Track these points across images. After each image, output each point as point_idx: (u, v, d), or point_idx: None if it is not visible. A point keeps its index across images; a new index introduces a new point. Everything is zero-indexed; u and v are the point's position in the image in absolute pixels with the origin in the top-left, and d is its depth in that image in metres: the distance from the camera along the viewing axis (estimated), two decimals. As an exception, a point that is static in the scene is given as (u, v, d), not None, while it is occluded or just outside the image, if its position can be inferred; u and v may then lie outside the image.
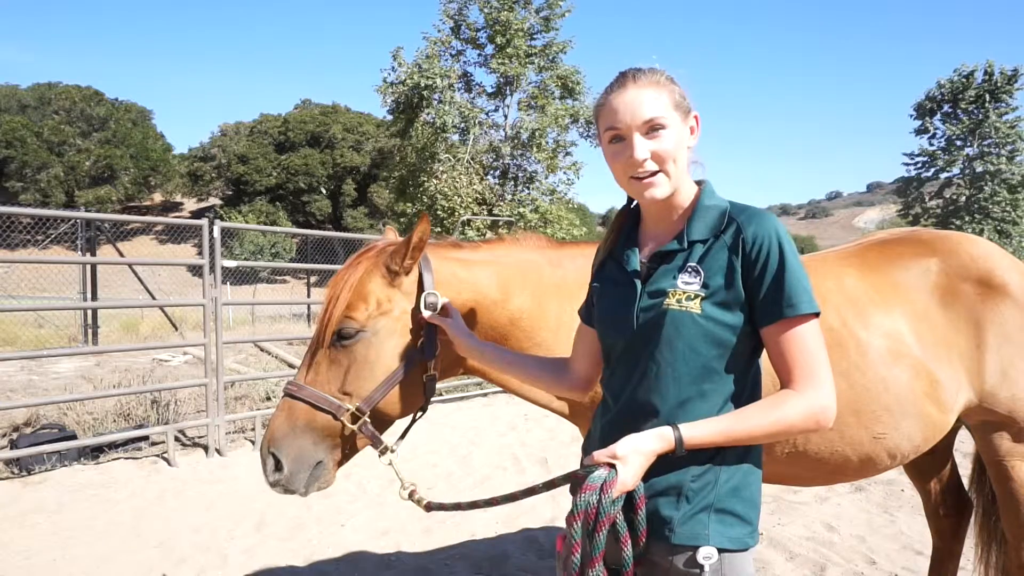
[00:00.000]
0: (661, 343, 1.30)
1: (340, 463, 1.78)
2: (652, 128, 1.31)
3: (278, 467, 1.70)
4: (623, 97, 1.33)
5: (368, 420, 1.73)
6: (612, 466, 1.22)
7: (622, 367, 1.39)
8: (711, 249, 1.31)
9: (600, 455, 1.24)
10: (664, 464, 1.26)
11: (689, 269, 1.31)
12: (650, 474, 1.27)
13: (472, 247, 2.04)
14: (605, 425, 1.40)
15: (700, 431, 1.23)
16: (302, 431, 1.71)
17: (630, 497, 1.25)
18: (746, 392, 1.33)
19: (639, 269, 1.39)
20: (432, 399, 1.90)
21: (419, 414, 1.88)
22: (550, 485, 1.39)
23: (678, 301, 1.29)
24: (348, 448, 1.77)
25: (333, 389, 1.73)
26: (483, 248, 2.04)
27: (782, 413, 1.23)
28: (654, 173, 1.32)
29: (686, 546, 1.25)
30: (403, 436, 1.86)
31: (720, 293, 1.28)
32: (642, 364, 1.33)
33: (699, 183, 1.44)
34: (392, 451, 1.76)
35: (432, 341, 1.76)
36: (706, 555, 1.23)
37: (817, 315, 1.26)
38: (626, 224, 1.51)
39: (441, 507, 1.65)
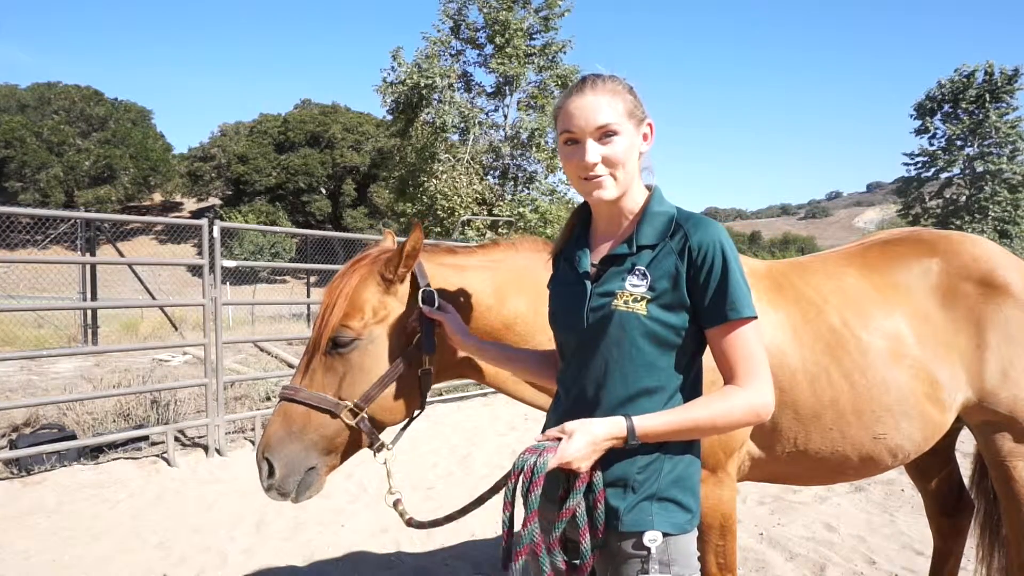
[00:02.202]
0: (609, 341, 1.38)
1: (334, 467, 1.79)
2: (605, 134, 1.39)
3: (271, 472, 1.71)
4: (580, 102, 1.40)
5: (367, 417, 1.74)
6: (559, 440, 1.32)
7: (574, 363, 1.46)
8: (659, 254, 1.39)
9: (551, 431, 1.35)
10: (612, 457, 1.35)
11: (637, 272, 1.39)
12: (600, 467, 1.35)
13: (466, 252, 2.04)
14: (559, 417, 1.47)
15: (651, 423, 1.31)
16: (297, 435, 1.72)
17: (590, 490, 1.33)
18: (687, 388, 1.41)
19: (589, 270, 1.47)
20: (432, 399, 1.90)
21: (416, 412, 1.89)
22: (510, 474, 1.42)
23: (625, 302, 1.37)
24: (343, 449, 1.77)
25: (329, 394, 1.75)
26: (477, 253, 2.04)
27: (726, 407, 1.32)
28: (603, 176, 1.40)
29: (633, 532, 1.34)
30: (397, 438, 1.85)
31: (665, 296, 1.36)
32: (591, 361, 1.41)
33: (649, 188, 1.51)
34: (388, 449, 1.77)
35: (430, 336, 1.76)
36: (651, 538, 1.33)
37: (755, 318, 1.36)
38: (577, 225, 1.59)
39: (420, 525, 1.73)
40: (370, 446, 1.77)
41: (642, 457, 1.36)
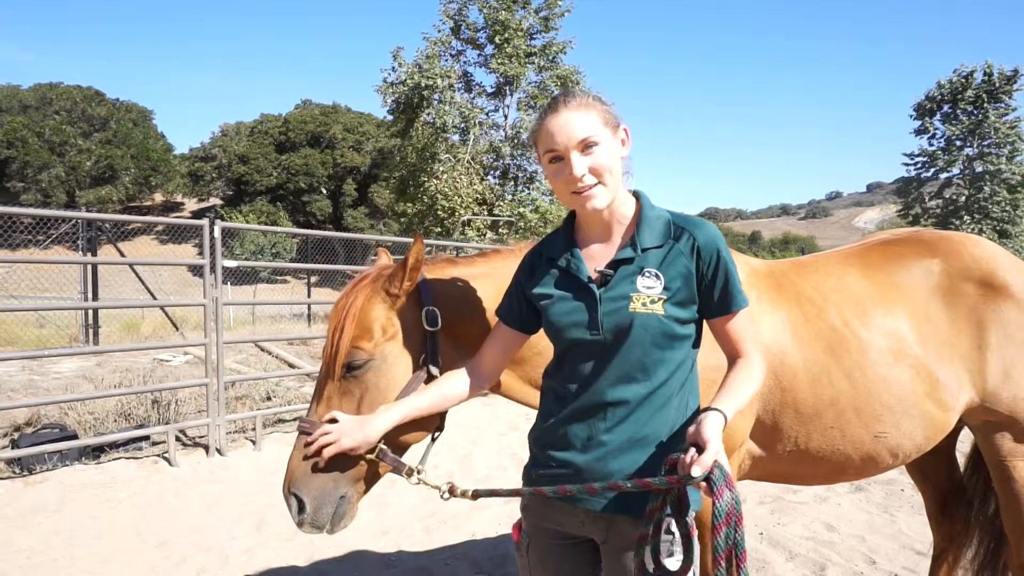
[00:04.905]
0: (631, 342, 1.45)
1: (363, 493, 1.75)
2: (587, 146, 1.46)
3: (301, 507, 1.68)
4: (557, 120, 1.47)
5: (386, 448, 1.69)
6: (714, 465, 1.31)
7: (583, 365, 1.50)
8: (669, 255, 1.48)
9: (708, 461, 1.29)
10: (632, 451, 1.45)
11: (647, 274, 1.47)
12: (610, 461, 1.46)
13: (467, 262, 2.03)
14: (567, 415, 1.51)
15: (732, 409, 1.39)
16: (321, 467, 1.67)
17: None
18: (688, 375, 1.52)
19: (593, 276, 1.52)
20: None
21: (437, 434, 1.86)
22: (644, 486, 1.37)
23: (643, 304, 1.44)
24: (369, 477, 1.74)
25: None
26: (479, 262, 2.03)
27: (757, 376, 1.50)
28: (593, 186, 1.47)
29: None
30: (423, 459, 1.81)
31: (679, 294, 1.46)
32: (609, 360, 1.47)
33: (635, 194, 1.59)
34: (419, 471, 1.72)
35: (435, 352, 1.75)
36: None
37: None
38: (563, 232, 1.63)
39: (493, 493, 1.66)
40: (397, 472, 1.72)
41: (663, 449, 1.44)
